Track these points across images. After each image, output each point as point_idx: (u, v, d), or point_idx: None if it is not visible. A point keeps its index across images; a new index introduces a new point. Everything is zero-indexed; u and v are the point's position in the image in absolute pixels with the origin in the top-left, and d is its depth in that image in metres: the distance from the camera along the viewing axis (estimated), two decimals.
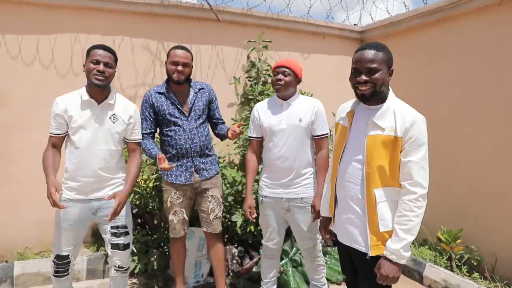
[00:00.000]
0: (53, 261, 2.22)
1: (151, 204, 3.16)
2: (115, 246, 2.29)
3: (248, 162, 2.58)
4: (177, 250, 2.71)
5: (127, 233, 2.31)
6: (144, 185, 3.09)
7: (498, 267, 3.17)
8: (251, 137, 2.58)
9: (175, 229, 2.62)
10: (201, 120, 2.58)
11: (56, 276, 2.23)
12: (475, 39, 3.35)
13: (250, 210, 2.51)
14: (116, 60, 2.26)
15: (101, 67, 2.13)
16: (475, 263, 3.25)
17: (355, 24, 4.62)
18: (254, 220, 2.57)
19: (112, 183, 2.26)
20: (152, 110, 2.54)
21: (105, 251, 3.39)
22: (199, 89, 2.63)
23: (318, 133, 2.44)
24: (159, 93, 2.56)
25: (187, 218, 2.64)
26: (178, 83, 2.49)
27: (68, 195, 2.16)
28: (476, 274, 3.17)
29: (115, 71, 2.26)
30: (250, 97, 3.95)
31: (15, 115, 3.29)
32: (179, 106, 2.53)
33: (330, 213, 1.95)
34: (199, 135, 2.54)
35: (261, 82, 4.01)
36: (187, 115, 2.53)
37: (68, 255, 2.21)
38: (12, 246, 3.33)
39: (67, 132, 2.19)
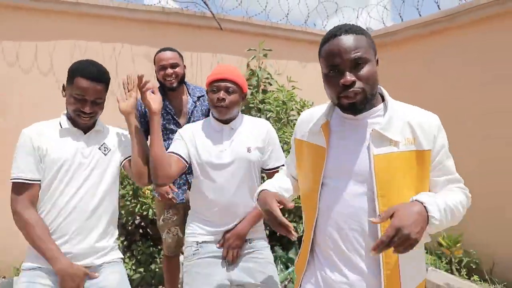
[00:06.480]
0: None
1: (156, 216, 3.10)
2: None
3: None
4: (170, 269, 2.52)
5: None
6: (150, 195, 3.04)
7: (496, 269, 3.29)
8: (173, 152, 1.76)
9: (170, 248, 2.43)
10: None
11: None
12: (470, 49, 3.50)
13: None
14: (108, 86, 1.64)
15: (87, 108, 1.54)
16: (473, 266, 3.37)
17: None
18: None
19: (104, 246, 1.63)
20: (144, 119, 2.15)
21: None
22: (198, 97, 2.39)
23: (272, 165, 1.81)
24: None
25: (182, 235, 2.37)
26: (172, 89, 2.25)
27: (39, 263, 1.56)
28: (475, 277, 3.28)
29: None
30: (251, 105, 3.95)
31: (13, 123, 3.16)
32: (175, 117, 2.30)
33: (301, 268, 1.33)
34: None
35: (261, 91, 4.03)
36: None
37: None
38: (9, 261, 3.19)
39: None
